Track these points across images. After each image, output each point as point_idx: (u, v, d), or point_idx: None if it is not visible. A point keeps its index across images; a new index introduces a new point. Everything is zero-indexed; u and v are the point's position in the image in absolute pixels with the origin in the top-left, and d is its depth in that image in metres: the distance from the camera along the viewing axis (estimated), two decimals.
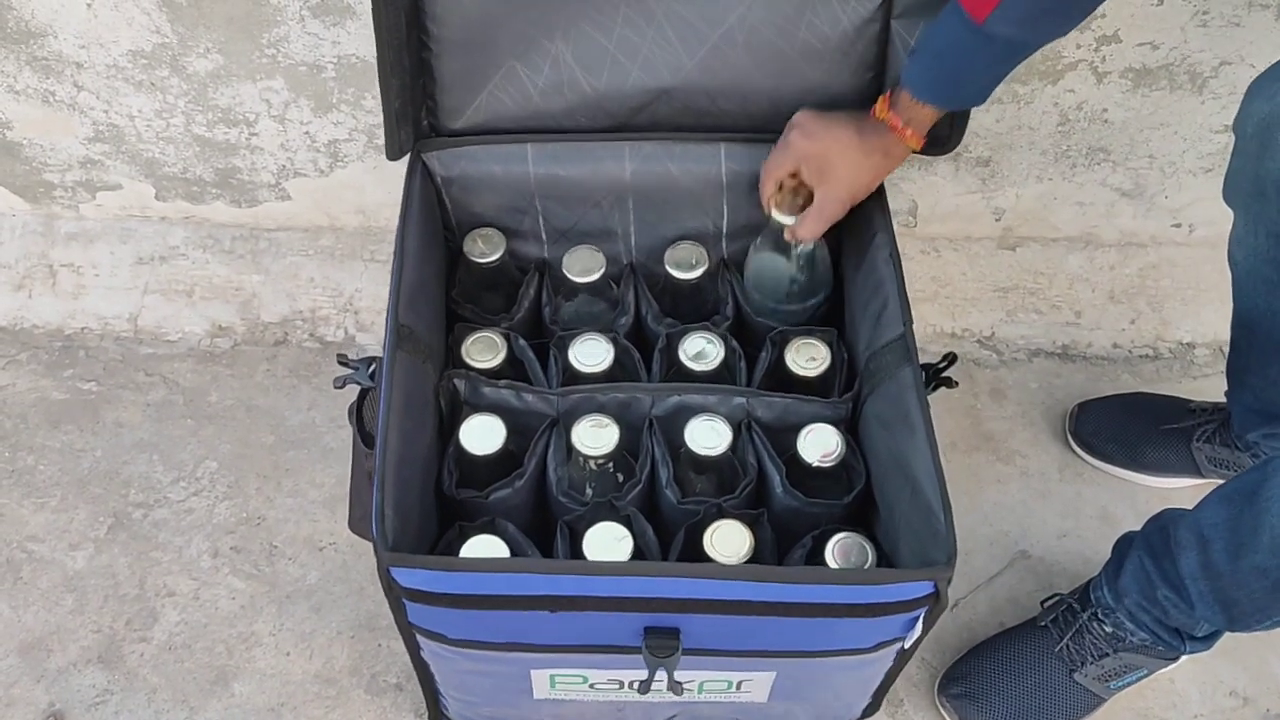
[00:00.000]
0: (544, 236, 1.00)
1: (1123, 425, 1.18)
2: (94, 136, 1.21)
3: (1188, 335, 1.31)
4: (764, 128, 0.92)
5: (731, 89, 0.91)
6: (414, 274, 0.87)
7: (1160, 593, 0.91)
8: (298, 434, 1.21)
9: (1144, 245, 1.31)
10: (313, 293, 1.30)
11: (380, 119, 1.15)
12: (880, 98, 0.87)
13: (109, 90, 1.16)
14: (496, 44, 0.88)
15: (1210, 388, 1.26)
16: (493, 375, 0.91)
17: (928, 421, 0.79)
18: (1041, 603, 1.04)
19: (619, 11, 0.87)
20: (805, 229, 0.89)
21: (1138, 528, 0.98)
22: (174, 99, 1.17)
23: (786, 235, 0.91)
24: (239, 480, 1.17)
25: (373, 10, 0.82)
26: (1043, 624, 1.02)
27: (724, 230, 0.99)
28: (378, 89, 1.11)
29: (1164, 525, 0.91)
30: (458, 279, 0.99)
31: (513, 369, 0.93)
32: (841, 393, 0.92)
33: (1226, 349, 1.30)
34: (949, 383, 0.85)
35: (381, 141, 1.16)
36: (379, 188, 1.26)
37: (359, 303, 1.30)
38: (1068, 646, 0.99)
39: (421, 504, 0.83)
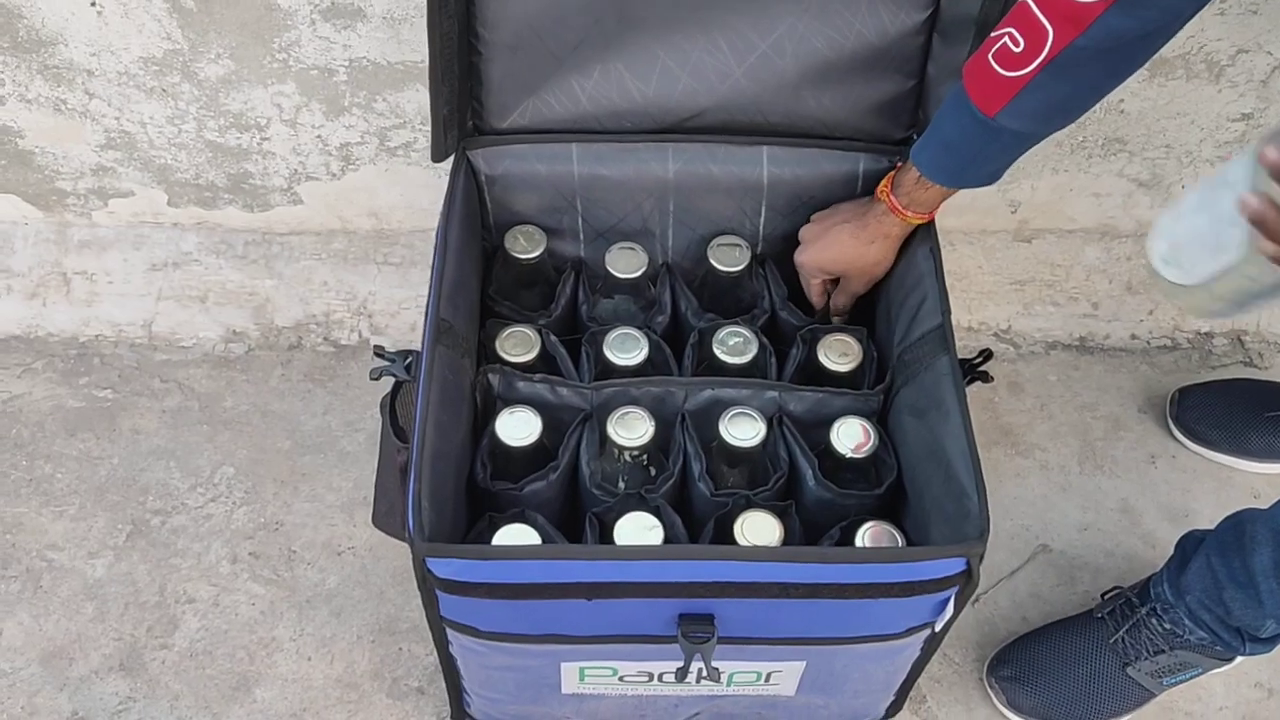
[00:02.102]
0: (582, 236, 1.05)
1: (1226, 411, 1.23)
2: (106, 144, 1.25)
3: (1205, 325, 1.36)
4: (808, 133, 0.98)
5: (777, 97, 0.96)
6: (455, 270, 0.91)
7: (1226, 592, 0.95)
8: (314, 439, 1.24)
9: None
10: (326, 296, 1.34)
11: (394, 122, 1.23)
12: (887, 176, 0.93)
13: (120, 97, 1.20)
14: (547, 48, 0.93)
15: (1229, 377, 1.31)
16: (526, 370, 0.95)
17: (963, 406, 0.83)
18: (1101, 594, 1.08)
19: (674, 18, 0.91)
20: (835, 304, 1.01)
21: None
22: (185, 105, 1.20)
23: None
24: (256, 486, 1.21)
25: (428, 17, 0.86)
26: (1099, 616, 1.06)
27: (760, 231, 1.04)
28: (389, 92, 1.20)
29: (1239, 523, 0.95)
30: (494, 276, 1.03)
31: (545, 364, 0.97)
32: (872, 386, 0.96)
33: (1246, 338, 1.36)
34: (985, 377, 0.89)
35: (394, 144, 1.23)
36: (391, 190, 1.29)
37: (372, 306, 1.34)
38: (1123, 640, 1.03)
39: (455, 496, 0.87)
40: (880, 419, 0.96)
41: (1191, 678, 1.04)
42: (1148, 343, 1.35)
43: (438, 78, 0.90)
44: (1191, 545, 1.01)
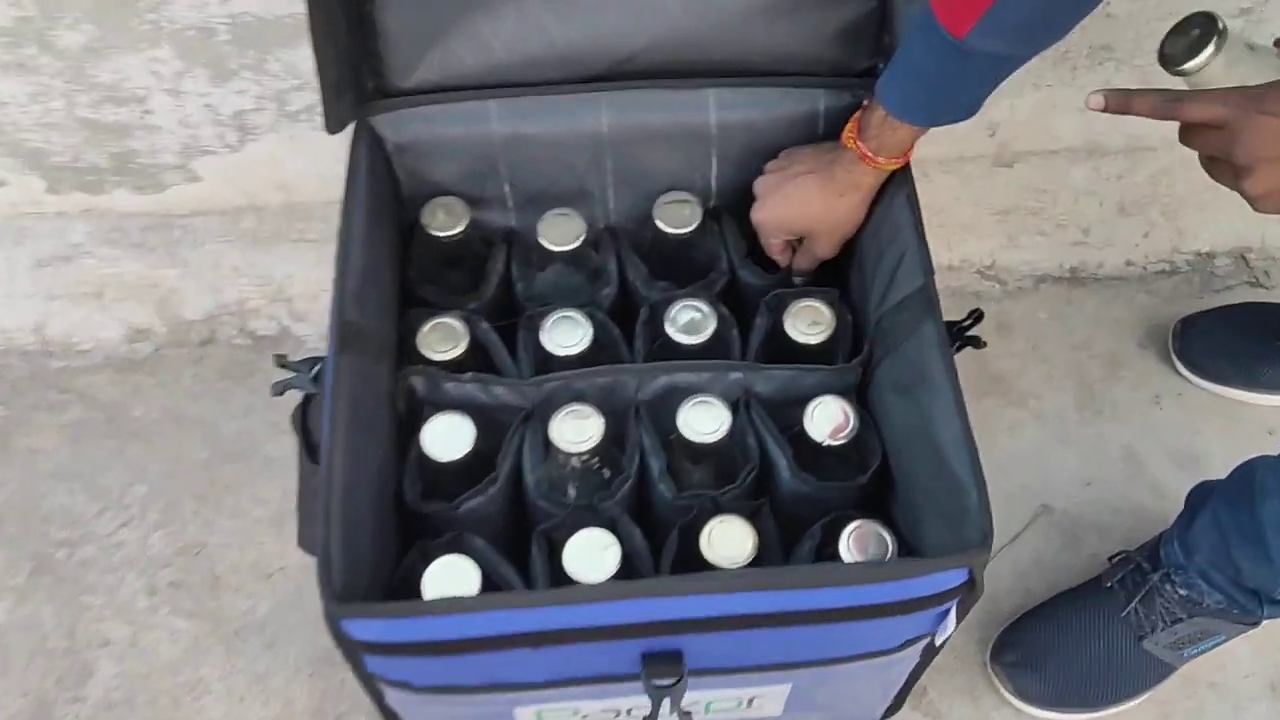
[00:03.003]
0: (511, 203, 0.95)
1: (1234, 340, 1.15)
2: None
3: (1206, 244, 1.28)
4: (758, 70, 0.88)
5: (721, 31, 0.86)
6: (362, 260, 0.80)
7: (1235, 549, 0.87)
8: (234, 445, 1.14)
9: (1153, 149, 1.27)
10: (238, 283, 1.23)
11: (291, 84, 1.11)
12: (852, 119, 0.83)
13: None
14: None
15: (1236, 300, 1.23)
16: (455, 367, 0.86)
17: (954, 381, 0.74)
18: (1109, 559, 1.00)
19: None
20: (798, 264, 0.93)
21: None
22: (49, 79, 1.08)
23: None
24: (173, 504, 1.11)
25: None
26: (1108, 585, 0.98)
27: (712, 185, 0.95)
28: (281, 50, 1.08)
29: (1249, 470, 0.87)
30: (414, 257, 0.93)
31: (476, 358, 0.88)
32: (848, 358, 0.87)
33: (1250, 256, 1.28)
34: (976, 342, 0.81)
35: (295, 108, 1.12)
36: (298, 158, 1.18)
37: (291, 289, 1.23)
38: (1136, 611, 0.95)
39: (377, 530, 0.78)
40: (860, 396, 0.88)
41: (1214, 646, 0.97)
42: (1144, 269, 1.28)
43: (321, 33, 0.79)
44: (1200, 498, 0.94)
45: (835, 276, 0.95)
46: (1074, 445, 1.16)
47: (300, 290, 1.23)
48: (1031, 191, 1.29)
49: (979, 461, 0.71)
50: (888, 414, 0.84)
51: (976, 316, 0.82)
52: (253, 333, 1.22)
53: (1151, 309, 1.24)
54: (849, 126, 0.84)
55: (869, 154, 0.82)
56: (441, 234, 0.91)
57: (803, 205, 0.87)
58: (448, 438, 0.80)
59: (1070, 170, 1.29)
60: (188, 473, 1.13)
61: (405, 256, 0.94)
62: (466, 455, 0.80)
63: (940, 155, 1.27)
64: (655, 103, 0.89)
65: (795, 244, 0.93)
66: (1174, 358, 1.19)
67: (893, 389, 0.83)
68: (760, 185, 0.90)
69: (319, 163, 1.19)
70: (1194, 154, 0.74)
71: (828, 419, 0.82)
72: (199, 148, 1.17)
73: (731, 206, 0.96)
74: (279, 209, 1.25)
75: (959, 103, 0.78)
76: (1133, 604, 0.96)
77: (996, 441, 1.16)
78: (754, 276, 0.94)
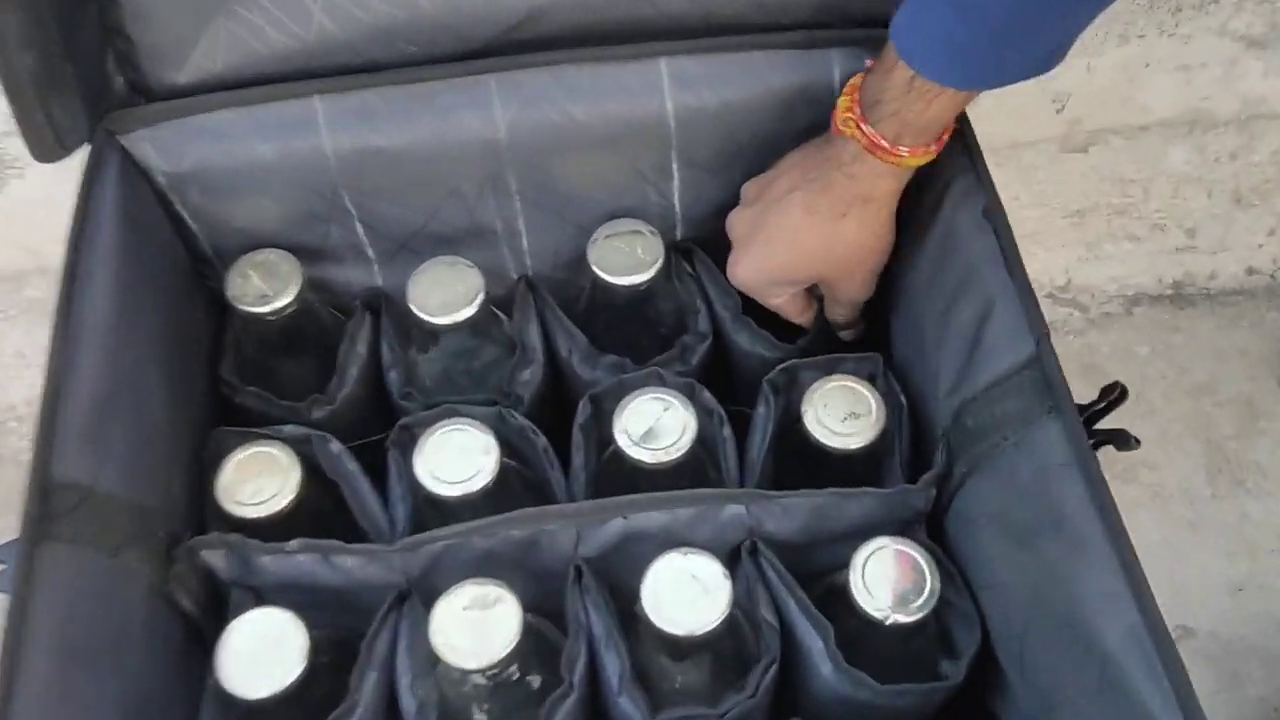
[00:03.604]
0: (370, 253, 0.69)
1: None
2: None
3: None
4: (735, 24, 0.63)
5: None
6: (100, 371, 0.55)
7: None
8: None
9: (1278, 115, 1.08)
10: (25, 375, 1.03)
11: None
12: (848, 89, 0.58)
13: None
14: None
15: None
16: (280, 525, 0.59)
17: (1112, 525, 0.47)
18: None
19: None
20: (834, 319, 0.68)
21: None
22: None
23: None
24: None
25: None
26: None
27: (676, 205, 0.68)
28: None
29: None
30: (229, 344, 0.68)
31: (318, 504, 0.62)
32: (910, 471, 0.61)
33: None
34: (1124, 441, 0.53)
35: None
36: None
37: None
38: None
39: None
40: (933, 529, 0.60)
41: None
42: (1273, 276, 1.12)
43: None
44: None
45: (871, 335, 0.68)
46: (1210, 532, 0.96)
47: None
48: (1115, 183, 1.11)
49: (1182, 672, 0.43)
50: (988, 566, 0.56)
51: (1116, 394, 0.53)
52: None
53: None
54: (844, 103, 0.57)
55: (883, 142, 0.55)
56: (257, 309, 0.64)
57: (790, 246, 0.61)
58: (260, 656, 0.53)
59: (1167, 151, 1.10)
60: None
61: (219, 344, 0.68)
62: (294, 684, 0.53)
63: (992, 140, 1.00)
64: (577, 84, 0.62)
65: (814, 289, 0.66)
66: None
67: (996, 527, 0.55)
68: (734, 224, 0.65)
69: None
70: None
71: (887, 578, 0.55)
72: None
73: (708, 238, 0.69)
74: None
75: (1034, 44, 0.51)
76: None
77: None
78: (756, 343, 0.67)
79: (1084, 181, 1.11)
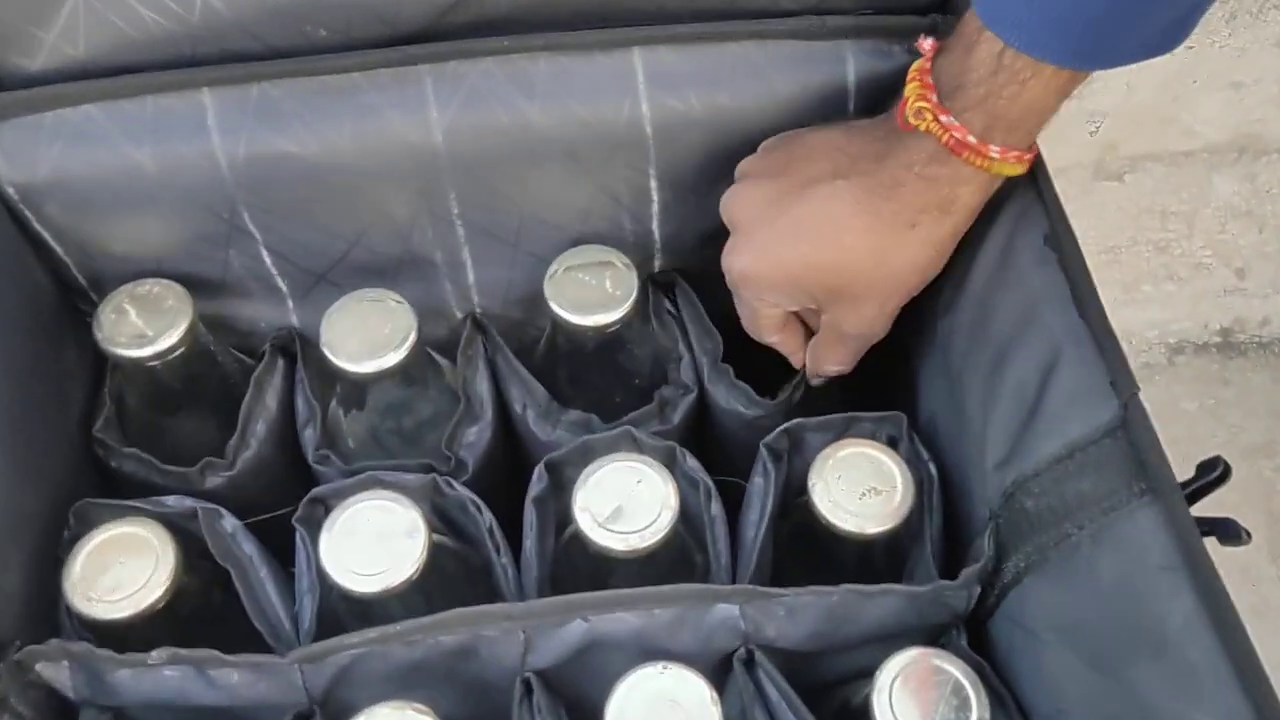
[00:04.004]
0: (282, 285, 0.57)
1: None
2: None
3: None
4: (728, 9, 0.52)
5: None
6: None
7: None
8: None
9: None
10: None
11: None
12: (915, 72, 0.48)
13: None
14: None
15: None
16: (145, 629, 0.47)
17: (1240, 653, 0.36)
18: None
19: None
20: (818, 361, 0.55)
21: None
22: None
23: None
24: None
25: None
26: None
27: (654, 230, 0.57)
28: None
29: None
30: (108, 396, 0.56)
31: (201, 600, 0.50)
32: (944, 562, 0.49)
33: None
34: (1232, 533, 0.42)
35: None
36: None
37: None
38: None
39: None
40: (974, 636, 0.48)
41: None
42: None
43: None
44: None
45: (883, 385, 0.57)
46: (1278, 619, 0.86)
47: None
48: (1155, 216, 1.04)
49: None
50: (1052, 692, 0.44)
51: (1219, 473, 0.42)
52: None
53: None
54: (914, 89, 0.46)
55: (969, 138, 0.44)
56: (134, 352, 0.52)
57: (825, 242, 0.49)
58: None
59: (1213, 180, 1.03)
60: None
61: (96, 396, 0.56)
62: None
63: None
64: (531, 79, 0.51)
65: (799, 317, 0.55)
66: None
67: (1064, 644, 0.43)
68: (737, 204, 0.53)
69: None
70: None
71: (920, 702, 0.43)
72: None
73: (691, 268, 0.59)
74: None
75: (1158, 14, 0.41)
76: None
77: None
78: (730, 397, 0.57)
79: (1120, 214, 1.04)
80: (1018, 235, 0.47)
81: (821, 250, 0.49)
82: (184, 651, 0.43)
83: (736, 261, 0.51)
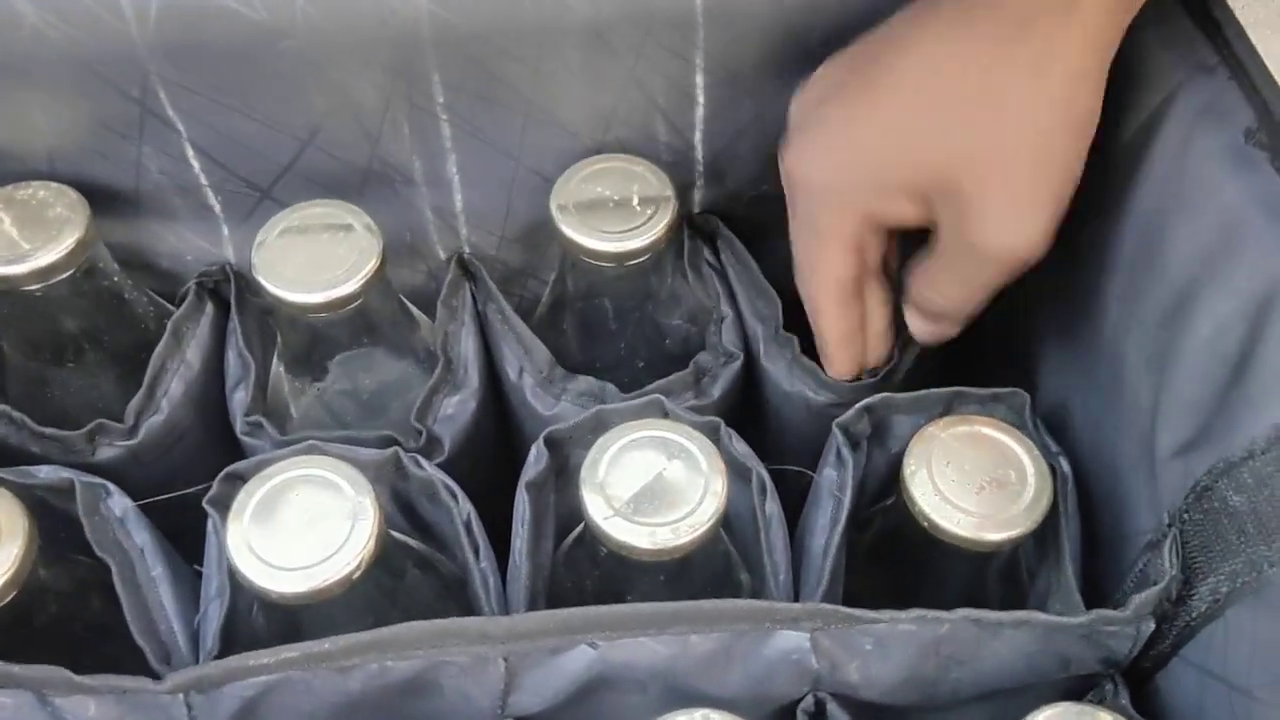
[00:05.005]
0: (213, 201, 0.44)
1: None
2: None
3: None
4: None
5: None
6: None
7: None
8: None
9: None
10: None
11: None
12: None
13: None
14: None
15: None
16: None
17: None
18: None
19: None
20: (921, 298, 0.40)
21: None
22: None
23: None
24: None
25: None
26: None
27: (697, 146, 0.44)
28: None
29: None
30: None
31: (68, 605, 0.38)
32: (1085, 584, 0.36)
33: None
34: None
35: None
36: None
37: None
38: None
39: None
40: (1138, 693, 0.35)
41: None
42: None
43: None
44: None
45: (1003, 363, 0.45)
46: None
47: None
48: None
49: None
50: None
51: None
52: None
53: None
54: None
55: None
56: (6, 271, 0.40)
57: (913, 97, 0.35)
58: None
59: None
60: None
61: None
62: None
63: None
64: None
65: (896, 248, 0.40)
66: None
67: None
68: (799, 99, 0.39)
69: None
70: None
71: None
72: None
73: (739, 215, 0.46)
74: None
75: None
76: None
77: None
78: (794, 377, 0.43)
79: None
80: (1196, 135, 0.33)
81: (906, 115, 0.35)
82: (19, 670, 0.31)
83: (799, 156, 0.37)
